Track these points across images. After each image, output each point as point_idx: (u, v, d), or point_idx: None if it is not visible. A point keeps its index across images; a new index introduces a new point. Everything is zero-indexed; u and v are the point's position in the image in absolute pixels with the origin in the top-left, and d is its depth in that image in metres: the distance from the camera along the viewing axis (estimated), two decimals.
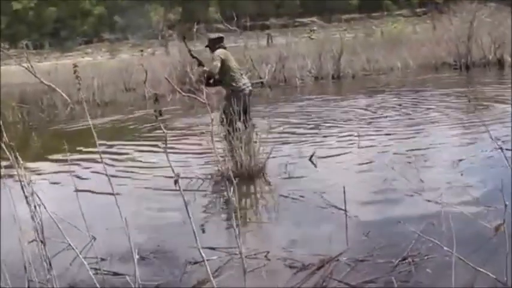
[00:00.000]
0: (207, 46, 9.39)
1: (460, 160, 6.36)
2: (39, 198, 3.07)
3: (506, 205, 3.29)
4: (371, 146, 7.57)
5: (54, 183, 6.92)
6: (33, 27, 65.35)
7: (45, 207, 3.18)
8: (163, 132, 2.71)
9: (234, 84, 8.99)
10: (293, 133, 9.16)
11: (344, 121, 9.86)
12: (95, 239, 3.98)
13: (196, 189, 6.07)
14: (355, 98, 13.38)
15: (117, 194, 3.32)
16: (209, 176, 6.47)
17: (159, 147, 8.38)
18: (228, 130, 7.07)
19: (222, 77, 9.05)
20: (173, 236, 4.78)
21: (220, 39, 9.41)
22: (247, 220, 5.10)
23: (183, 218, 4.94)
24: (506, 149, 6.16)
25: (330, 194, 5.44)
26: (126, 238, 2.97)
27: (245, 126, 8.52)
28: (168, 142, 8.17)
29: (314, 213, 5.06)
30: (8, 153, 3.09)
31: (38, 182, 6.42)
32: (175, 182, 2.61)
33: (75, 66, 3.54)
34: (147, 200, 5.91)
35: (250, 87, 9.20)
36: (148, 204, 5.77)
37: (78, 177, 6.85)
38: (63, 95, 15.33)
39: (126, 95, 17.73)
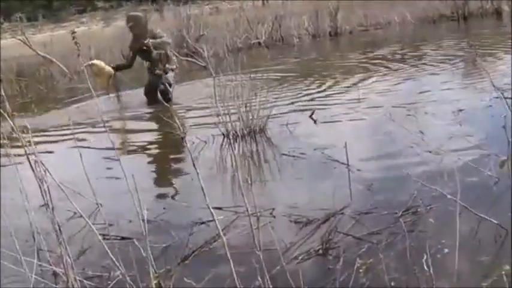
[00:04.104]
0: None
1: (460, 110, 6.36)
2: (43, 164, 3.08)
3: (509, 141, 3.34)
4: (371, 100, 7.57)
5: (58, 151, 6.96)
6: (26, 0, 64.76)
7: (50, 174, 3.20)
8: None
9: None
10: (293, 90, 9.15)
11: (343, 77, 9.84)
12: (101, 205, 4.00)
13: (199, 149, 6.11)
14: (353, 53, 13.31)
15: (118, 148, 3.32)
16: (211, 136, 6.47)
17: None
18: None
19: None
20: (177, 198, 4.84)
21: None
22: (251, 179, 5.12)
23: (186, 178, 5.03)
24: (506, 98, 6.15)
25: (331, 149, 5.46)
26: (131, 202, 2.99)
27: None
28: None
29: (316, 169, 5.10)
30: (11, 123, 3.10)
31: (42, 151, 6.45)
32: (182, 138, 2.62)
33: (73, 32, 3.54)
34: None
35: None
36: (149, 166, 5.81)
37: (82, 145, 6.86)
38: (61, 65, 15.30)
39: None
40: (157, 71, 9.11)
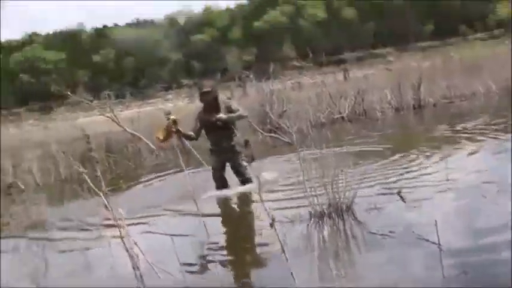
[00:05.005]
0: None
1: None
2: (139, 248, 3.15)
3: None
4: (460, 175, 7.41)
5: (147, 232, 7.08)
6: (113, 78, 67.49)
7: (144, 256, 3.27)
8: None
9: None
10: (379, 166, 9.04)
11: (430, 151, 9.68)
12: None
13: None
14: (439, 126, 13.12)
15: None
16: (298, 215, 6.44)
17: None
18: None
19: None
20: (268, 278, 4.84)
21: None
22: (339, 258, 5.07)
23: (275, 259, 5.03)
24: None
25: (421, 228, 5.34)
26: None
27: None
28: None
29: (407, 249, 4.99)
30: (107, 205, 3.20)
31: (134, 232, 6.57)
32: (271, 224, 2.66)
33: (168, 113, 3.59)
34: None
35: None
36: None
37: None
38: (148, 142, 15.72)
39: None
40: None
